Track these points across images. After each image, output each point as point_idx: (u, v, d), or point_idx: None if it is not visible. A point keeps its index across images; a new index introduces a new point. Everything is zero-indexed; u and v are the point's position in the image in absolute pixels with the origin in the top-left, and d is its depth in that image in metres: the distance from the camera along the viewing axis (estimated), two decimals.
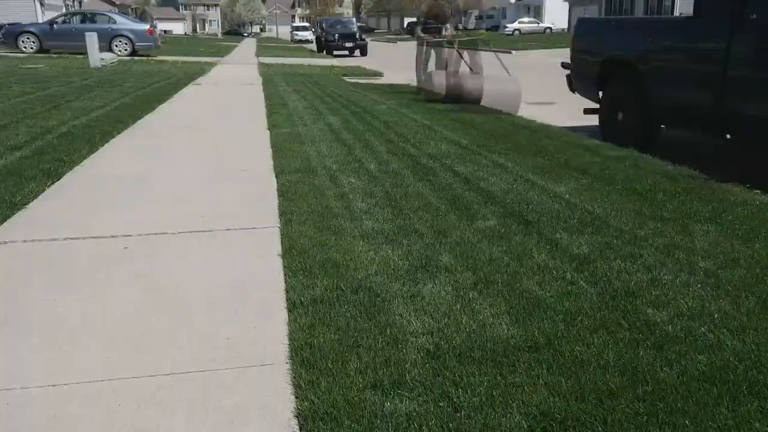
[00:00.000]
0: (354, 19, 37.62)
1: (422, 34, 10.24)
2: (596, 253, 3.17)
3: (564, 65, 7.80)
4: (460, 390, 1.98)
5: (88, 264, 3.05)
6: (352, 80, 14.23)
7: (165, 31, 66.15)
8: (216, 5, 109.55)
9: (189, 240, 3.42)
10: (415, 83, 11.42)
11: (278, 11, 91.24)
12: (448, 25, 10.51)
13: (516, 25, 53.71)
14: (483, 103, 8.62)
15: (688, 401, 1.93)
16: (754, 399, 1.95)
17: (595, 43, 7.08)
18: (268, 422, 1.87)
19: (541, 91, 12.15)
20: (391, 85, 12.84)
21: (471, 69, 9.72)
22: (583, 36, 7.36)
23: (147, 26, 22.97)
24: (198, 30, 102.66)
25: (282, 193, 4.24)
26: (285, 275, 2.89)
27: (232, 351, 2.26)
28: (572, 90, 7.61)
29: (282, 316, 2.51)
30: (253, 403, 1.95)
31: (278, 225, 3.61)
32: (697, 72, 5.43)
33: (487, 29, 67.25)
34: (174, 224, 3.65)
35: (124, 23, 22.27)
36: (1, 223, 3.61)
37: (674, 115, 5.95)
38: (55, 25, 21.57)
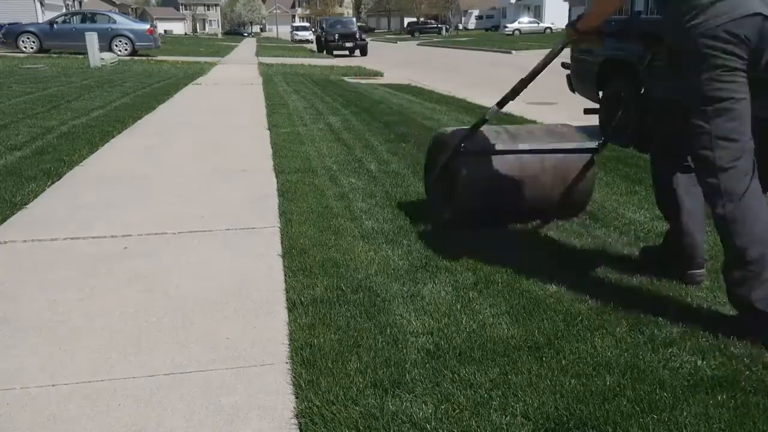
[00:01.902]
0: (354, 19, 37.63)
1: None
2: (596, 252, 3.17)
3: (564, 65, 7.80)
4: (460, 390, 1.98)
5: (88, 264, 3.05)
6: (353, 80, 14.23)
7: (165, 31, 66.24)
8: (216, 5, 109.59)
9: (189, 240, 3.42)
10: (415, 83, 11.41)
11: (278, 11, 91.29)
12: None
13: (516, 25, 53.74)
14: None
15: (690, 401, 1.93)
16: (757, 398, 1.95)
17: None
18: (268, 422, 1.87)
19: (541, 91, 12.14)
20: (391, 85, 12.84)
21: None
22: None
23: (147, 26, 22.98)
24: (198, 30, 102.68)
25: (282, 192, 4.24)
26: (285, 275, 2.89)
27: (232, 351, 2.26)
28: (572, 90, 7.61)
29: (282, 316, 2.51)
30: (253, 403, 1.95)
31: (278, 225, 3.61)
32: None
33: (487, 29, 67.34)
34: (174, 224, 3.65)
35: (124, 23, 22.27)
36: (1, 223, 3.61)
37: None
38: (55, 25, 21.58)
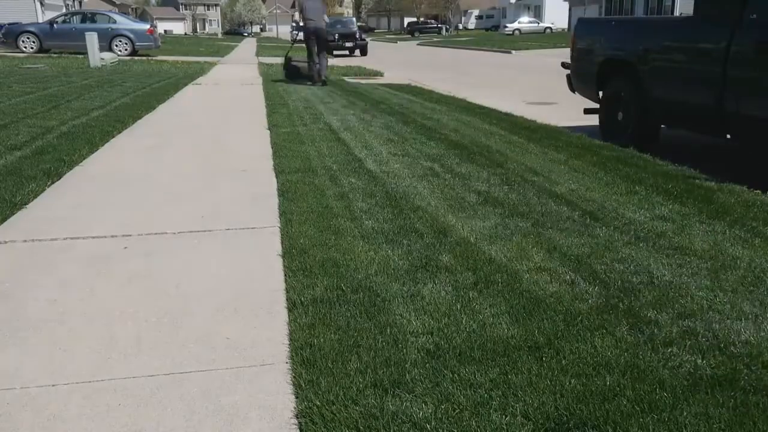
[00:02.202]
0: (354, 19, 37.57)
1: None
2: (596, 253, 3.17)
3: (564, 65, 7.80)
4: (460, 390, 1.98)
5: (88, 264, 3.05)
6: (353, 80, 14.22)
7: (165, 31, 66.25)
8: (216, 5, 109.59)
9: (189, 240, 3.42)
10: (415, 83, 11.41)
11: (278, 11, 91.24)
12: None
13: (516, 24, 53.70)
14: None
15: (690, 401, 1.93)
16: (757, 398, 1.95)
17: (594, 43, 7.08)
18: (268, 422, 1.87)
19: (541, 91, 12.16)
20: (391, 85, 12.84)
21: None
22: (583, 36, 7.36)
23: (147, 26, 22.98)
24: (198, 30, 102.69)
25: (282, 192, 4.24)
26: (285, 275, 2.89)
27: (232, 351, 2.26)
28: (572, 90, 7.61)
29: (282, 316, 2.52)
30: (253, 403, 1.95)
31: (278, 225, 3.61)
32: (697, 72, 5.43)
33: (487, 29, 67.32)
34: (174, 224, 3.65)
35: (124, 23, 22.27)
36: (1, 223, 3.61)
37: (674, 115, 5.96)
38: (55, 25, 21.58)
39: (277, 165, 5.08)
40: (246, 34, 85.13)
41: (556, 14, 55.45)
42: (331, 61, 22.20)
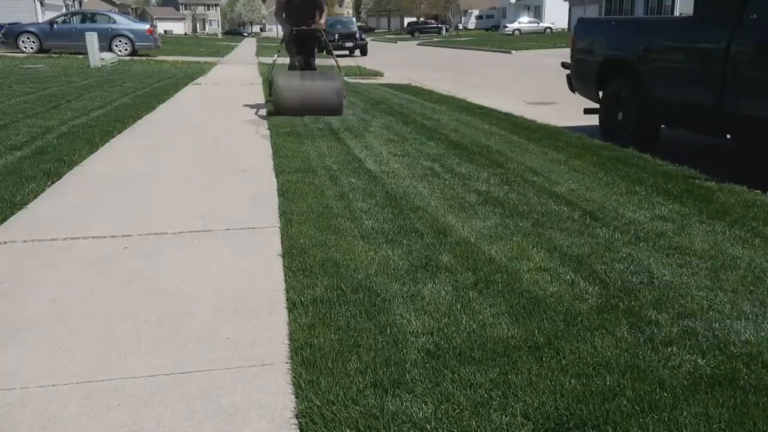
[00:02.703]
0: (354, 19, 37.58)
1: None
2: (596, 253, 3.17)
3: (564, 65, 7.80)
4: (460, 390, 1.98)
5: (88, 264, 3.05)
6: (353, 80, 14.22)
7: (165, 31, 66.28)
8: (216, 5, 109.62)
9: (189, 240, 3.42)
10: (415, 83, 11.43)
11: None
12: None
13: (516, 24, 53.69)
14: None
15: (690, 401, 1.93)
16: (757, 397, 1.95)
17: (594, 43, 7.08)
18: (268, 422, 1.87)
19: (541, 91, 12.16)
20: (391, 85, 12.84)
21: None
22: (582, 36, 7.36)
23: (147, 26, 22.98)
24: (198, 30, 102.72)
25: (282, 192, 4.24)
26: (285, 275, 2.89)
27: (232, 351, 2.26)
28: (572, 90, 7.61)
29: (282, 316, 2.52)
30: (253, 403, 1.95)
31: (278, 225, 3.61)
32: (697, 72, 5.43)
33: (487, 29, 67.35)
34: (174, 224, 3.65)
35: (124, 23, 22.27)
36: (1, 223, 3.61)
37: (674, 115, 5.96)
38: (55, 25, 21.58)
39: (277, 165, 5.08)
40: (246, 34, 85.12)
41: (556, 14, 55.43)
42: (331, 61, 22.29)
